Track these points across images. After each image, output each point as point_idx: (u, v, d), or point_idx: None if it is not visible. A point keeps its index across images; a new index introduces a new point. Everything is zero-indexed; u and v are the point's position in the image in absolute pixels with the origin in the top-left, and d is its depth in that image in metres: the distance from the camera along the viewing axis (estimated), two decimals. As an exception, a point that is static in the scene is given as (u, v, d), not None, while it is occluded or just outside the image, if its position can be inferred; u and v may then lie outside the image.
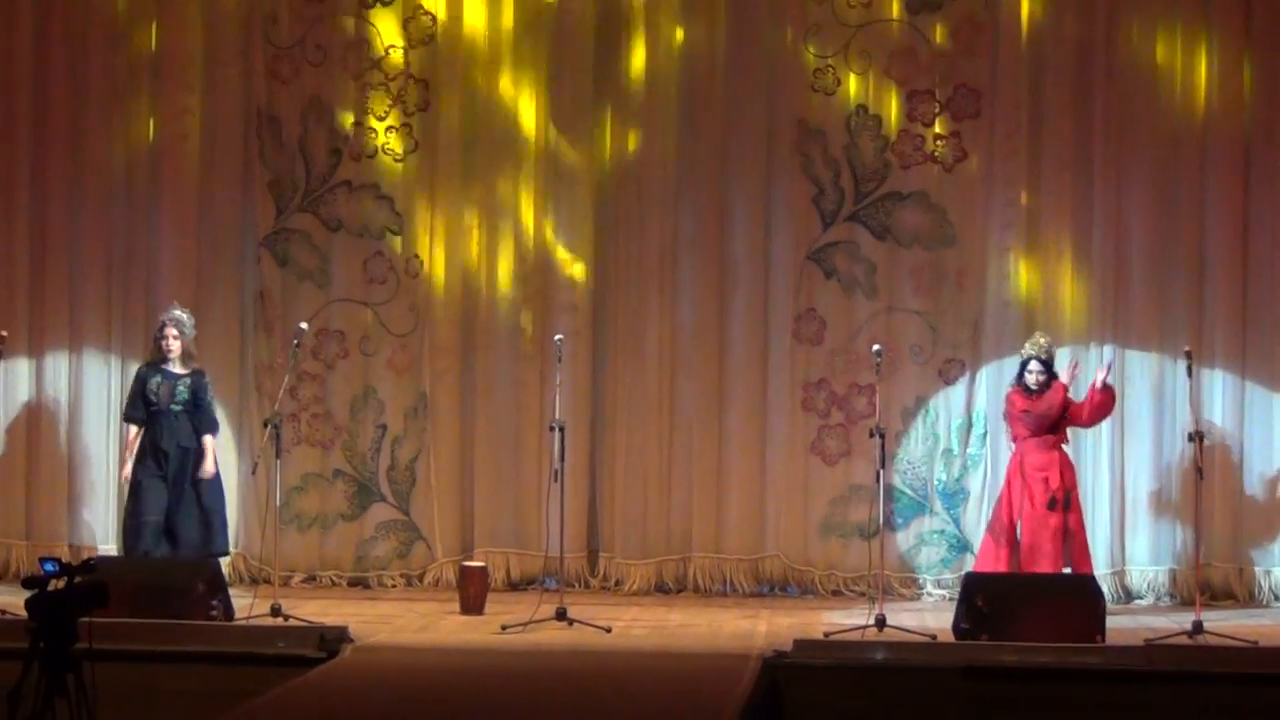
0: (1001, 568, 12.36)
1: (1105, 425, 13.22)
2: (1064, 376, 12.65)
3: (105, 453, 13.93)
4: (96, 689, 7.60)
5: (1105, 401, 12.62)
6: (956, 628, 11.31)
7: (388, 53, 14.17)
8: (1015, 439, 12.64)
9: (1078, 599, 11.38)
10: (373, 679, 10.12)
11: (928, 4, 13.85)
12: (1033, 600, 11.37)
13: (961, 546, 13.64)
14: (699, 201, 13.95)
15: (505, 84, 14.10)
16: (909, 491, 13.85)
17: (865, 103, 13.93)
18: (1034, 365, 12.55)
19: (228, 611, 11.60)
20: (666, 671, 10.56)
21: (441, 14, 14.12)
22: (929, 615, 12.52)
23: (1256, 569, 13.58)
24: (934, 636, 11.32)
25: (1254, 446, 13.62)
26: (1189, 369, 12.56)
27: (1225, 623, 11.86)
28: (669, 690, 9.87)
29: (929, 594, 13.71)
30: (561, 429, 12.08)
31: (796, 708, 10.50)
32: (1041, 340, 12.70)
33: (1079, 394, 12.70)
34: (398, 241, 14.17)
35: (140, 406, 12.65)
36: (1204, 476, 12.24)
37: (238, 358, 14.11)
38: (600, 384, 14.09)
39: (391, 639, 11.47)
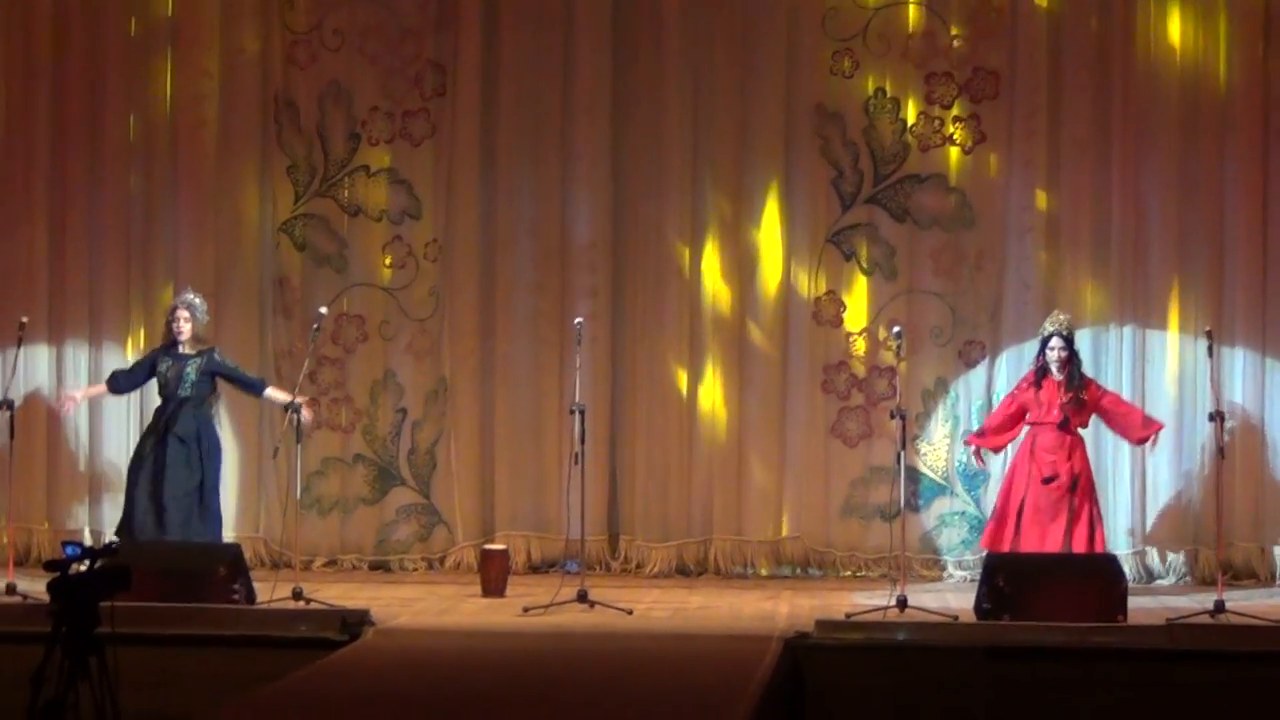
0: (1003, 548, 12.33)
1: (1127, 406, 13.23)
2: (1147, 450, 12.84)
3: (125, 439, 13.93)
4: (119, 672, 7.62)
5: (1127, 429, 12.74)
6: (978, 608, 11.30)
7: (405, 37, 14.16)
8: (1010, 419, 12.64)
9: (1100, 579, 11.36)
10: (395, 662, 10.12)
11: (945, -14, 13.86)
12: (1055, 580, 11.35)
13: (982, 528, 13.59)
14: (718, 185, 13.94)
15: (523, 67, 14.08)
16: (930, 473, 13.84)
17: (883, 85, 13.91)
18: (1055, 342, 12.51)
19: (249, 595, 11.62)
20: (688, 653, 10.56)
21: (459, -2, 14.12)
22: (950, 596, 12.51)
23: (1278, 549, 13.56)
24: (956, 617, 11.31)
25: (1275, 426, 13.58)
26: (1210, 349, 12.52)
27: (1247, 602, 11.84)
28: (691, 671, 9.86)
29: (950, 575, 13.70)
30: (582, 412, 12.09)
31: (818, 688, 10.48)
32: (1062, 317, 12.66)
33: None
34: (417, 226, 14.18)
35: (132, 376, 12.80)
36: (1225, 456, 12.23)
37: (257, 343, 14.12)
38: (620, 367, 14.09)
39: (413, 622, 11.47)
